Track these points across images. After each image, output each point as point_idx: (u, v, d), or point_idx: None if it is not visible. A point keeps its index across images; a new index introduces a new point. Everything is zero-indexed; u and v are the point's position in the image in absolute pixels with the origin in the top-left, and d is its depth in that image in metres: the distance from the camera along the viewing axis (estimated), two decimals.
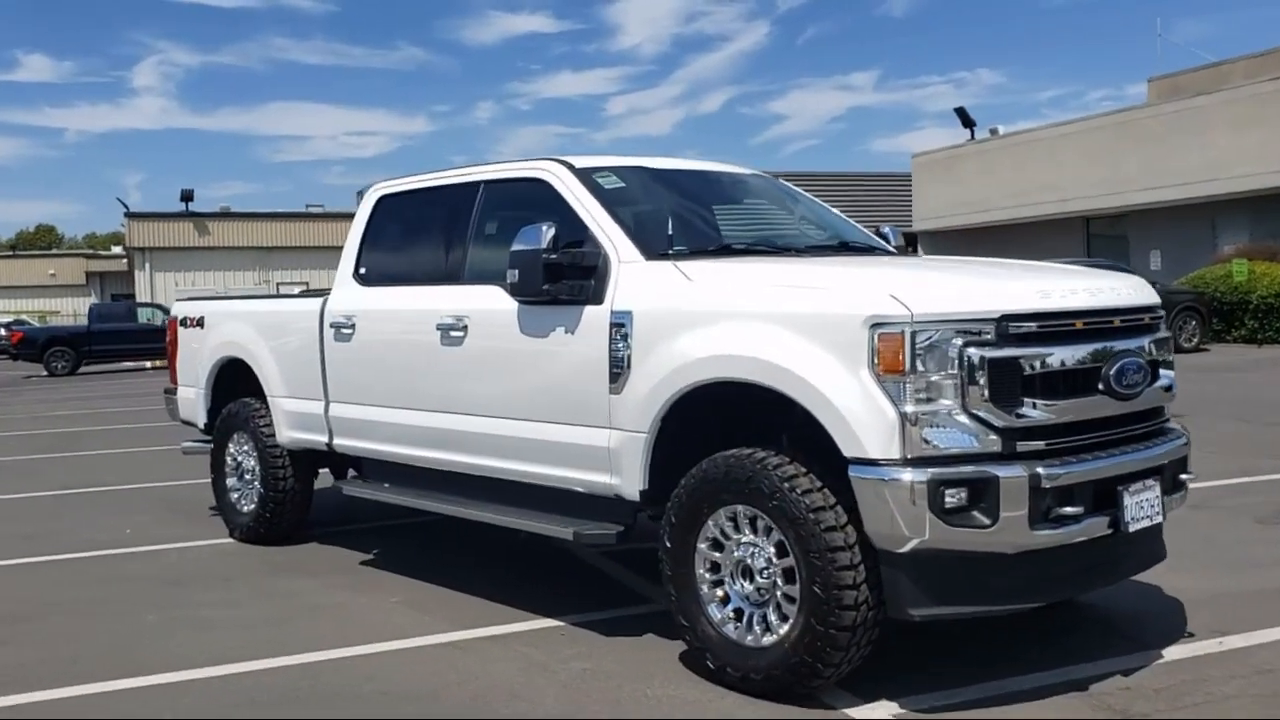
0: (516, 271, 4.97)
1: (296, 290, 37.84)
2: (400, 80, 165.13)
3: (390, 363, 6.04)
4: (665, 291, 4.66)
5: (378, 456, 6.29)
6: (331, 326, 6.43)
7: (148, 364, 34.04)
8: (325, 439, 6.63)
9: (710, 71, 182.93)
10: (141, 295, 39.73)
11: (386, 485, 6.41)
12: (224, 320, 7.57)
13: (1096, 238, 30.27)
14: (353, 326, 6.29)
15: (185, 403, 8.05)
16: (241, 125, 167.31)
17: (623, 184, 5.37)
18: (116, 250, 70.93)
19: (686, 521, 4.46)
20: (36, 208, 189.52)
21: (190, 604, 5.95)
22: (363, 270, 6.44)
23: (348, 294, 6.44)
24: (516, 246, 4.97)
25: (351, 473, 6.99)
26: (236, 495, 7.49)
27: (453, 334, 5.58)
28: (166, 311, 33.41)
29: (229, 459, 7.55)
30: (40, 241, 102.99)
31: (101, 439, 13.96)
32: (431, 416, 5.76)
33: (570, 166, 5.37)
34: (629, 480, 4.73)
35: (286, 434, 6.94)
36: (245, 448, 7.40)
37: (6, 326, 45.72)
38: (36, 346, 31.71)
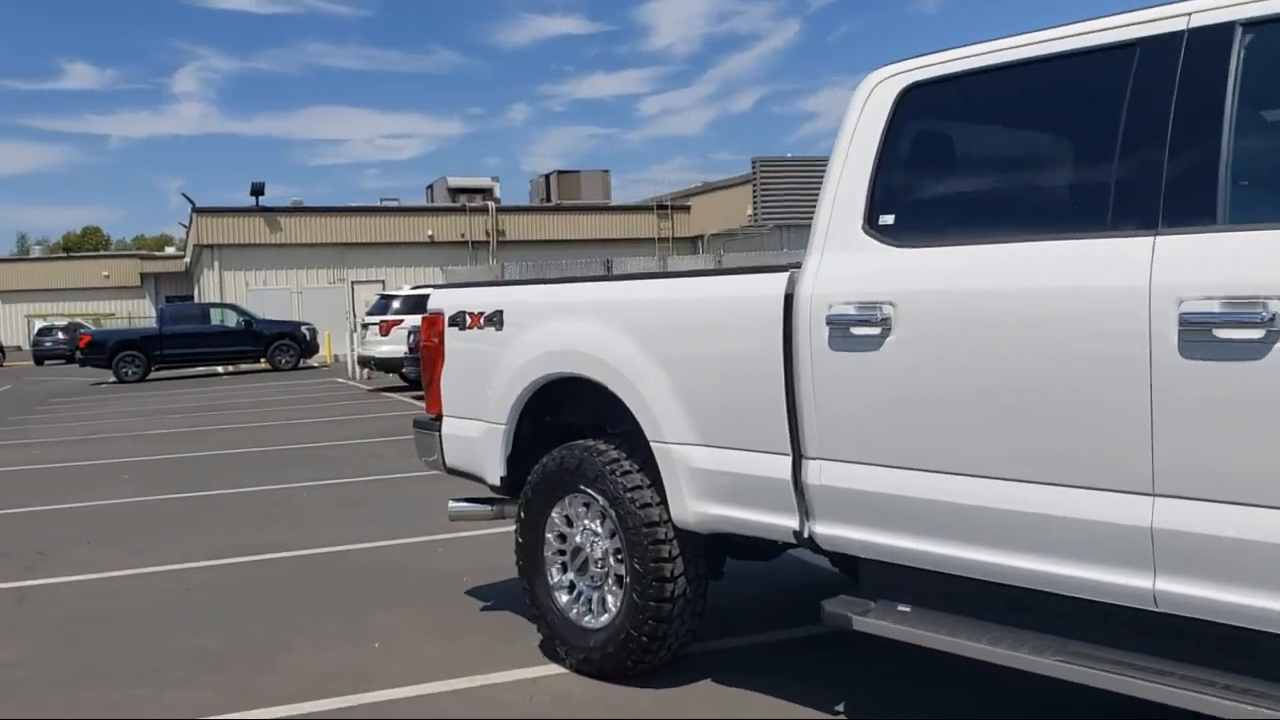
0: None
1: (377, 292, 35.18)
2: (434, 83, 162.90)
3: (1010, 393, 3.13)
4: None
5: (938, 565, 3.37)
6: (830, 324, 3.53)
7: (220, 369, 31.61)
8: (793, 522, 3.74)
9: (742, 70, 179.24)
10: (209, 295, 37.11)
11: (906, 609, 3.52)
12: (552, 316, 4.67)
13: None
14: (883, 322, 3.39)
15: (461, 443, 5.18)
16: (279, 130, 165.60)
17: None
18: (170, 251, 68.96)
19: None
20: (81, 213, 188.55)
21: None
22: (886, 219, 3.53)
23: (858, 263, 3.54)
24: None
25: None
26: (571, 598, 4.64)
27: (1233, 336, 2.66)
28: (240, 312, 31.10)
29: (553, 538, 4.69)
30: (87, 244, 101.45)
31: (233, 468, 11.17)
32: (1154, 507, 2.84)
33: None
34: None
35: (697, 507, 4.05)
36: (590, 523, 4.53)
37: (65, 330, 43.52)
38: (105, 351, 29.27)
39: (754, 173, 37.59)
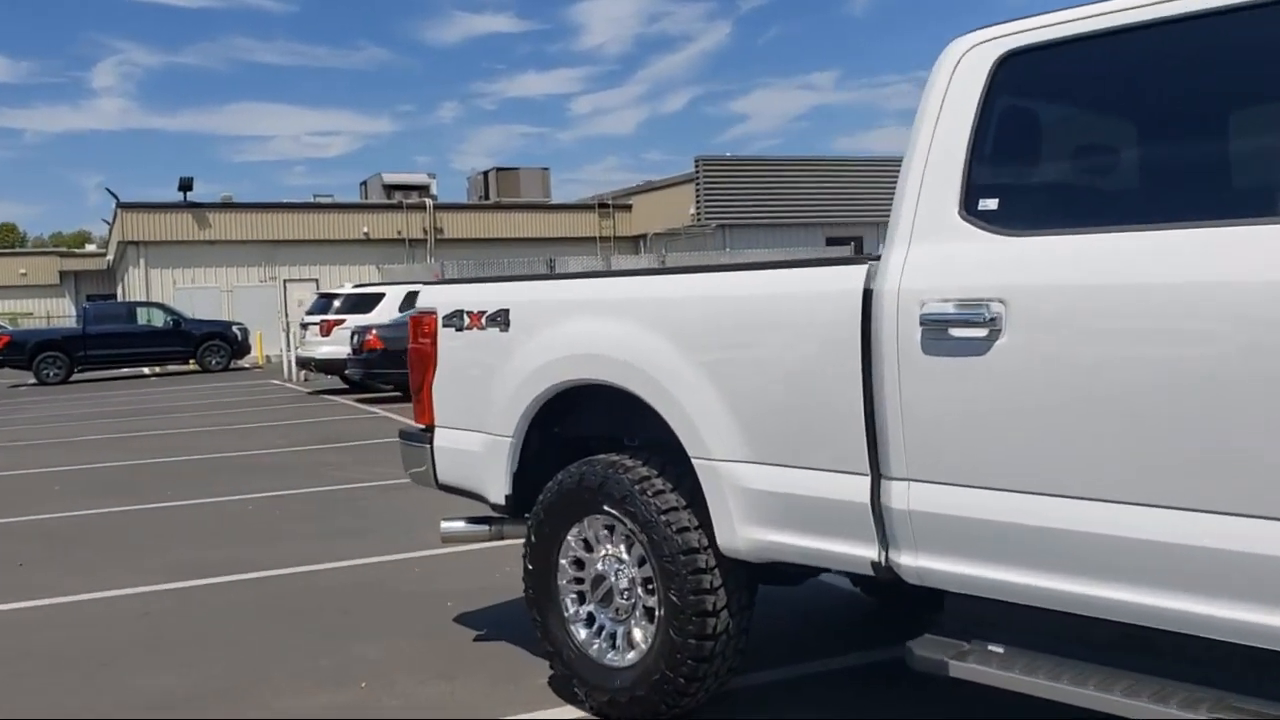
0: None
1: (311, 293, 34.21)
2: (363, 80, 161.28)
3: (1152, 405, 2.69)
4: None
5: (1053, 603, 2.92)
6: (924, 324, 3.06)
7: (146, 370, 30.49)
8: (870, 552, 3.27)
9: (673, 71, 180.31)
10: (134, 294, 35.73)
11: (999, 650, 3.09)
12: (570, 315, 4.16)
13: None
14: (990, 322, 2.93)
15: (457, 457, 4.65)
16: (203, 126, 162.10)
17: None
18: (91, 248, 66.88)
19: None
20: None
21: None
22: (988, 204, 3.07)
23: (957, 254, 3.08)
24: None
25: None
26: (591, 633, 4.13)
27: None
28: (168, 311, 29.98)
29: (568, 564, 4.19)
30: (3, 241, 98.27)
31: (176, 477, 10.44)
32: None
33: None
34: None
35: (749, 534, 3.57)
36: (613, 548, 4.04)
37: None
38: (25, 352, 28.06)
39: (697, 172, 37.24)
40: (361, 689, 4.46)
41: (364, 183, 45.76)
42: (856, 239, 38.55)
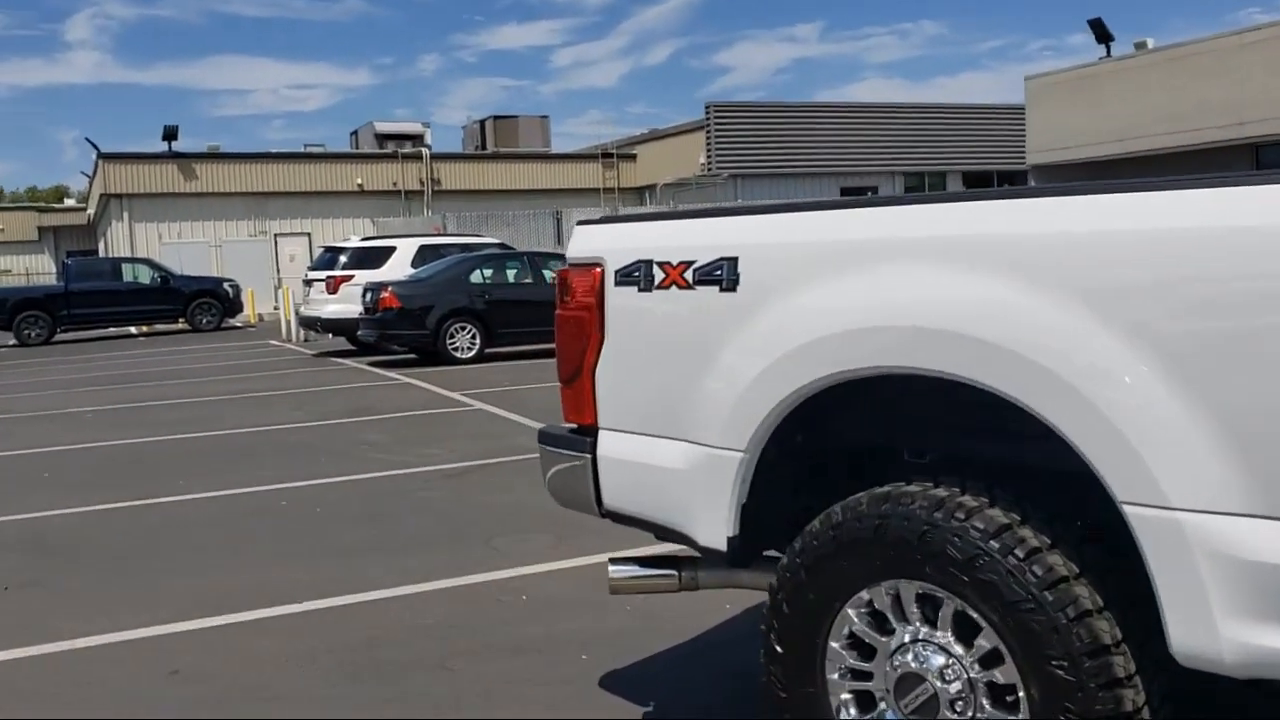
0: None
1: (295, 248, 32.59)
2: (342, 32, 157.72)
3: None
4: None
5: None
6: None
7: (134, 330, 28.89)
8: None
9: (656, 23, 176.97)
10: (117, 249, 33.86)
11: None
12: (862, 266, 2.65)
13: (1269, 166, 25.69)
14: None
15: (640, 475, 3.19)
16: (180, 79, 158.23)
17: None
18: (70, 203, 64.88)
19: None
20: None
21: None
22: None
23: None
24: None
25: None
26: None
27: None
28: (155, 267, 28.28)
29: (844, 649, 2.74)
30: None
31: (186, 461, 8.92)
32: None
33: None
34: None
35: (1248, 636, 2.11)
36: (933, 632, 2.58)
37: None
38: (4, 311, 26.43)
39: (707, 119, 35.56)
40: None
41: (355, 132, 43.93)
42: (872, 188, 37.08)
